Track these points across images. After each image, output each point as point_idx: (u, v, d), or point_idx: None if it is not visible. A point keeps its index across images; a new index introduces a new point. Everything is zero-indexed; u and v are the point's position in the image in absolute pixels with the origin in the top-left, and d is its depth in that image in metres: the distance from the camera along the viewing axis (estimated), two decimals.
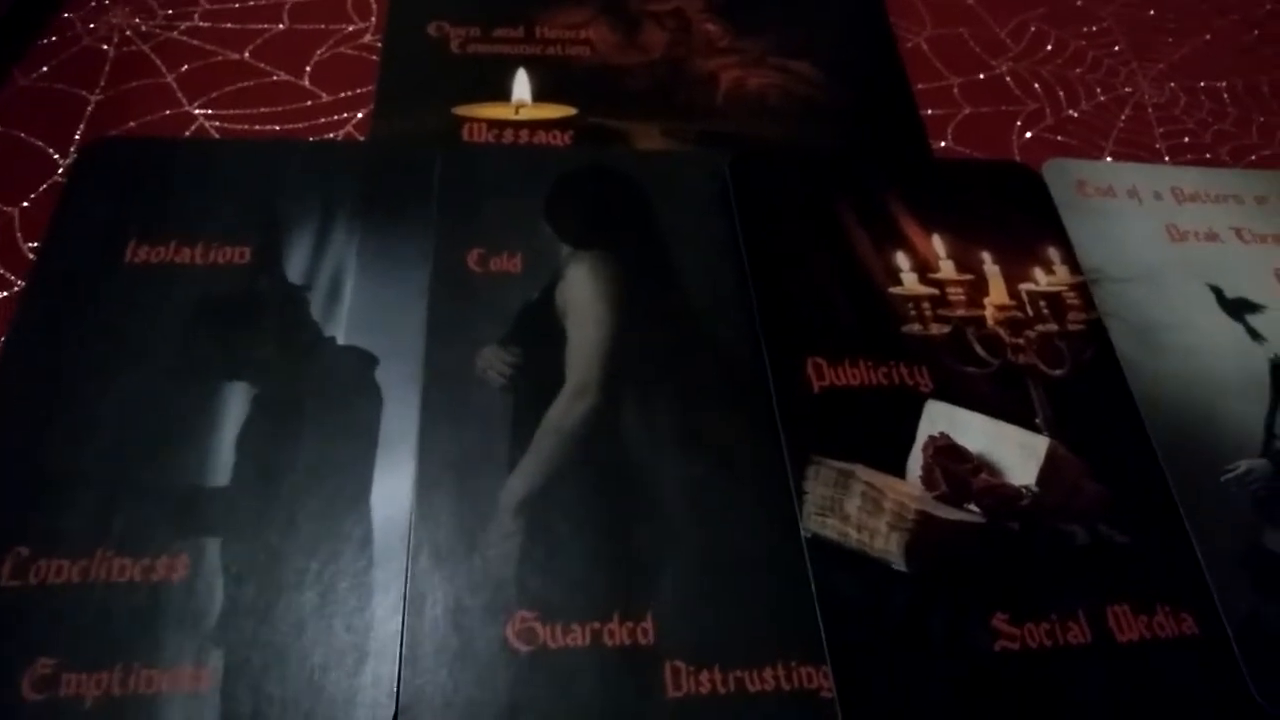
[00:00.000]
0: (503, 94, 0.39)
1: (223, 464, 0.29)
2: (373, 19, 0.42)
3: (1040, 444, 0.31)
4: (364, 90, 0.39)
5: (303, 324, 0.32)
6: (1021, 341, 0.34)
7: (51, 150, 0.36)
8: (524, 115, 0.39)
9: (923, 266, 0.35)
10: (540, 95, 0.40)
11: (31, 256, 0.33)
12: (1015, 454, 0.31)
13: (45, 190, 0.35)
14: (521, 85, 0.40)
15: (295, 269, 0.33)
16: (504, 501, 0.29)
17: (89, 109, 0.37)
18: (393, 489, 0.28)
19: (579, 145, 0.38)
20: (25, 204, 0.34)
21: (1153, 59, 0.44)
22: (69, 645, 0.25)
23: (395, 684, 0.25)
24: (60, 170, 0.35)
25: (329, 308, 0.32)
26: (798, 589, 0.28)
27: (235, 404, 0.30)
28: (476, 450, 0.30)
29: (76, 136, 0.36)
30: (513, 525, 0.28)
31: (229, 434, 0.29)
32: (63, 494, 0.28)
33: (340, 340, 0.31)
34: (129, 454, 0.28)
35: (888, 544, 0.29)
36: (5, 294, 0.32)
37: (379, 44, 0.40)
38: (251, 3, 0.41)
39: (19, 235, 0.33)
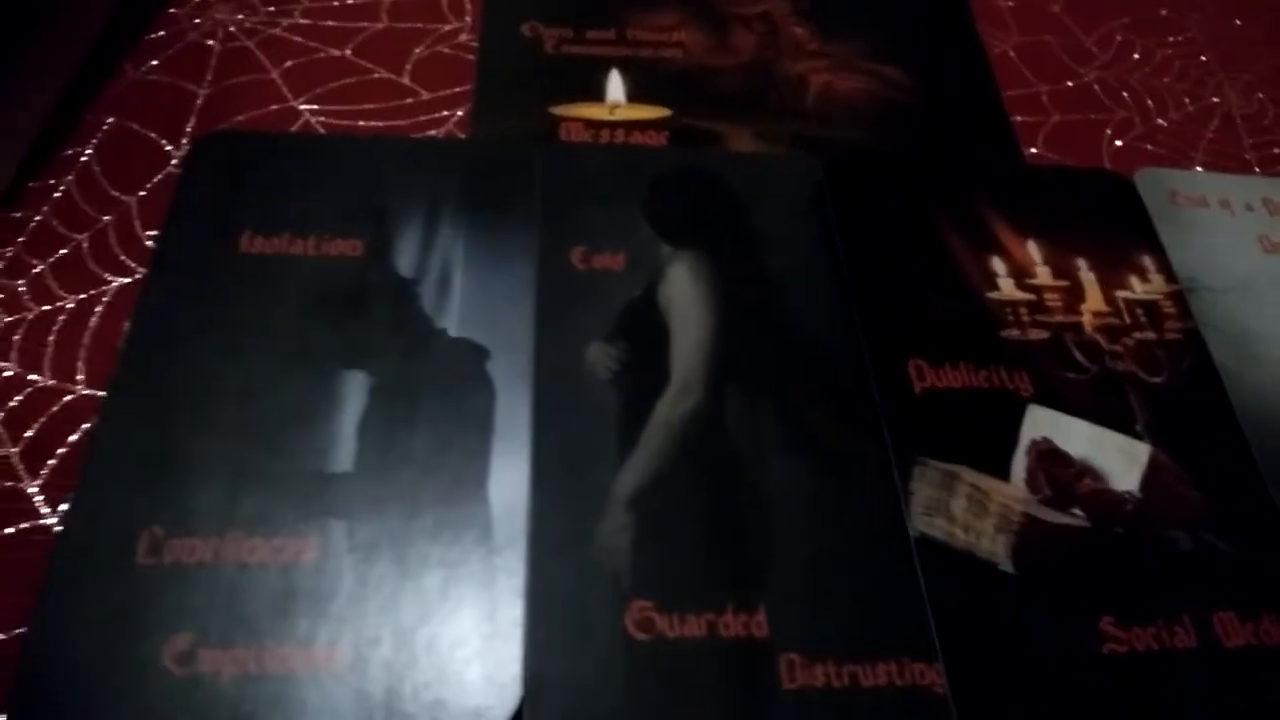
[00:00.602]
0: (597, 94, 0.40)
1: (345, 450, 0.29)
2: (468, 18, 0.42)
3: (1142, 451, 0.32)
4: (462, 89, 0.40)
5: (415, 316, 0.32)
6: (1119, 348, 0.34)
7: (164, 142, 0.37)
8: (619, 115, 0.39)
9: (1019, 272, 0.35)
10: (634, 96, 0.40)
11: (149, 244, 0.34)
12: (1117, 460, 0.31)
13: (160, 181, 0.36)
14: (615, 86, 0.40)
15: (405, 263, 0.34)
16: (616, 494, 0.29)
17: (198, 102, 0.38)
18: (510, 478, 0.29)
19: (674, 146, 0.39)
20: (142, 193, 0.35)
21: (1240, 69, 0.44)
22: (205, 622, 0.26)
23: (521, 668, 0.26)
24: (174, 161, 0.36)
25: (439, 301, 0.33)
26: (906, 586, 0.28)
27: (354, 392, 0.30)
28: (588, 443, 0.30)
29: (188, 129, 0.37)
30: (625, 518, 0.29)
31: (350, 421, 0.30)
32: (192, 476, 0.28)
33: (452, 333, 0.32)
34: (254, 438, 0.29)
35: (994, 545, 0.29)
36: (128, 280, 0.33)
37: (475, 43, 0.41)
38: (351, 1, 0.42)
39: (137, 224, 0.34)
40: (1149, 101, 0.43)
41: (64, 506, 0.28)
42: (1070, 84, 0.43)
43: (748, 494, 0.30)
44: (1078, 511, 0.30)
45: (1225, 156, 0.41)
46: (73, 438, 0.29)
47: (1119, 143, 0.41)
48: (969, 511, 0.30)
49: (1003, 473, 0.31)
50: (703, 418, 0.31)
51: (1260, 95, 0.44)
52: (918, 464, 0.30)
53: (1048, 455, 0.31)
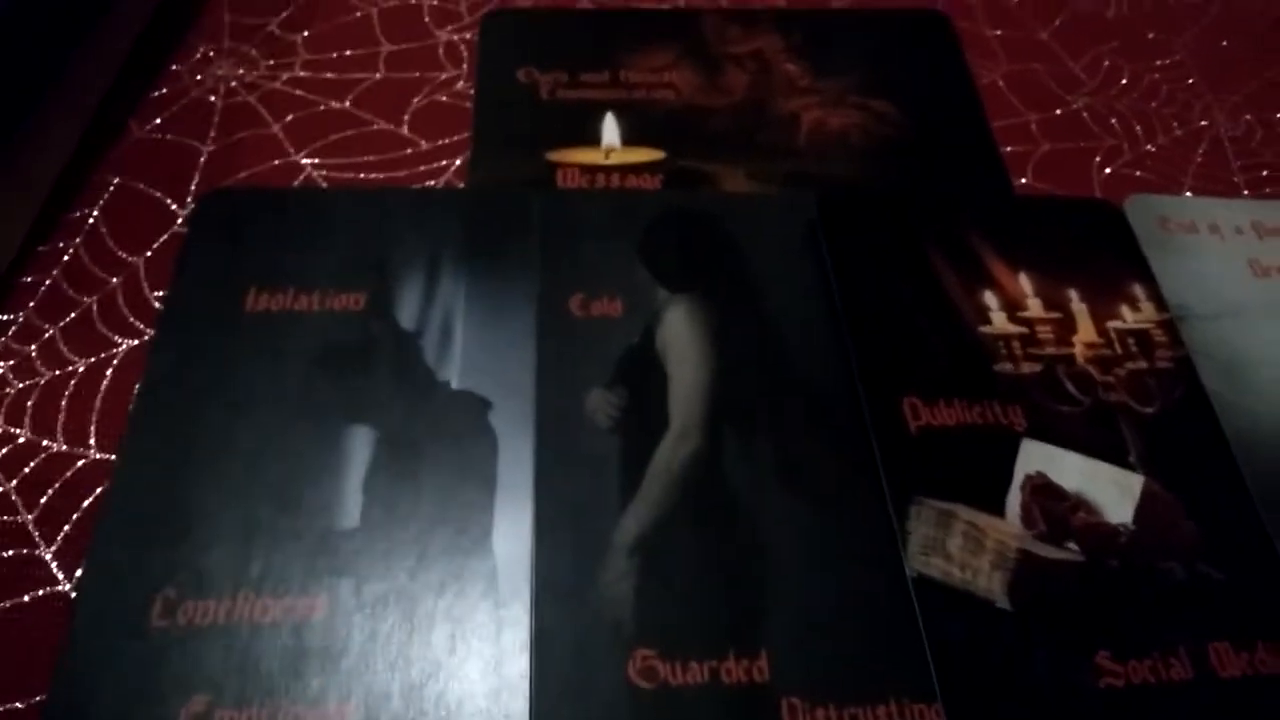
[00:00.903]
0: (593, 138, 0.41)
1: (351, 506, 0.30)
2: (464, 66, 0.43)
3: (1135, 482, 0.32)
4: (460, 137, 0.40)
5: (418, 369, 0.33)
6: (1112, 379, 0.34)
7: (169, 200, 0.38)
8: (614, 160, 0.40)
9: (1011, 305, 0.36)
10: (628, 139, 0.41)
11: (157, 305, 0.35)
12: (1111, 492, 0.32)
13: (166, 240, 0.36)
14: (610, 130, 0.41)
15: (407, 315, 0.34)
16: (618, 541, 0.30)
17: (202, 159, 0.39)
18: (513, 529, 0.30)
19: (669, 189, 0.39)
20: (149, 254, 0.36)
21: (1228, 90, 0.45)
22: (219, 683, 0.27)
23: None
24: (179, 220, 0.37)
25: (441, 353, 0.33)
26: (905, 626, 0.29)
27: (359, 447, 0.31)
28: (589, 491, 0.31)
29: (192, 186, 0.38)
30: (627, 565, 0.30)
31: (355, 477, 0.31)
32: (203, 538, 0.29)
33: (454, 385, 0.33)
34: (262, 497, 0.30)
35: (990, 583, 0.30)
36: (136, 342, 0.34)
37: (471, 91, 0.42)
38: (349, 52, 0.43)
39: (145, 285, 0.35)
40: (1137, 127, 0.43)
41: (79, 572, 0.28)
42: (1059, 112, 0.43)
43: (747, 537, 0.30)
44: (1072, 545, 0.31)
45: (1214, 180, 0.42)
46: (86, 503, 0.30)
47: (1108, 170, 0.41)
48: (965, 549, 0.30)
49: (998, 509, 0.31)
50: (701, 462, 0.32)
51: (1248, 116, 0.44)
52: (914, 503, 0.31)
53: (1042, 490, 0.32)
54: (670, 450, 0.32)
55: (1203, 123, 0.44)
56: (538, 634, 0.28)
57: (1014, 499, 0.31)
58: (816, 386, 0.34)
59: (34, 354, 0.33)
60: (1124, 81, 0.45)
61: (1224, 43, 0.47)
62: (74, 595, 0.28)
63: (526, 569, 0.29)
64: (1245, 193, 0.41)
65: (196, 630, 0.28)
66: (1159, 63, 0.46)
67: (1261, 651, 0.29)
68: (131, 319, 0.34)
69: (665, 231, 0.37)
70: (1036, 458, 0.32)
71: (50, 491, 0.30)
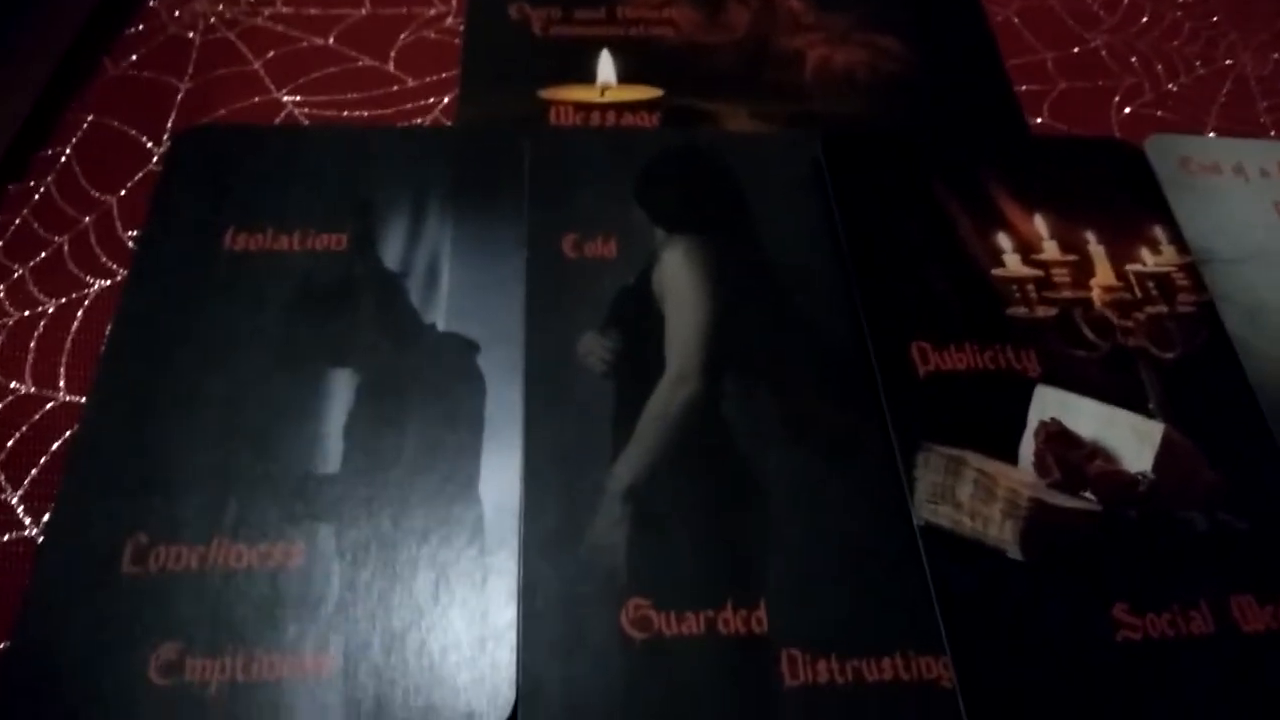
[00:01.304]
0: (587, 76, 0.39)
1: (331, 451, 0.29)
2: (453, 2, 0.41)
3: (1155, 430, 0.31)
4: (448, 75, 0.39)
5: (402, 311, 0.32)
6: (1131, 324, 0.33)
7: (145, 139, 0.36)
8: (610, 97, 0.38)
9: (1025, 247, 0.34)
10: (625, 77, 0.39)
11: (131, 245, 0.33)
12: (1129, 440, 0.30)
13: (141, 179, 0.35)
14: (606, 67, 0.39)
15: (391, 255, 0.33)
16: (610, 489, 0.28)
17: (179, 97, 0.37)
18: (502, 476, 0.28)
19: (667, 127, 0.38)
20: (123, 192, 0.34)
21: (1254, 30, 0.43)
22: (191, 631, 0.26)
23: (515, 671, 0.25)
24: (155, 159, 0.35)
25: (427, 294, 0.32)
26: (911, 577, 0.28)
27: (340, 391, 0.30)
28: (581, 438, 0.29)
29: (169, 124, 0.36)
30: (620, 512, 0.28)
31: (336, 421, 0.29)
32: (176, 482, 0.28)
33: (440, 327, 0.31)
34: (238, 442, 0.29)
35: (1002, 532, 0.28)
36: (109, 282, 0.32)
37: (461, 28, 0.40)
38: None
39: (118, 224, 0.34)
40: (1159, 66, 0.41)
41: (46, 517, 0.27)
42: (1076, 50, 0.41)
43: (746, 484, 0.29)
44: (1089, 495, 0.29)
45: (1239, 120, 0.40)
46: (55, 446, 0.29)
47: (1128, 110, 0.39)
48: (975, 497, 0.29)
49: (1010, 456, 0.30)
50: (699, 407, 0.30)
51: (1276, 56, 0.42)
52: (922, 450, 0.29)
53: (1057, 437, 0.30)
54: (666, 394, 0.30)
55: (1227, 62, 0.42)
56: (526, 583, 0.27)
57: (1027, 446, 0.30)
58: (821, 330, 0.32)
59: (2, 295, 0.32)
60: (1145, 19, 0.43)
61: None
62: (40, 540, 0.27)
63: (514, 516, 0.28)
64: (1272, 134, 0.39)
65: (168, 576, 0.26)
66: (1181, 0, 0.44)
67: None
68: (104, 259, 0.33)
69: (664, 170, 0.36)
70: (1051, 404, 0.31)
71: (17, 435, 0.29)
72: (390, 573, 0.27)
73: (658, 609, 0.27)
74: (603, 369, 0.31)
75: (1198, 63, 0.41)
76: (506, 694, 0.25)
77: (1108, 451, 0.30)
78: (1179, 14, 0.43)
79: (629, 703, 0.25)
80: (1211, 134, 0.39)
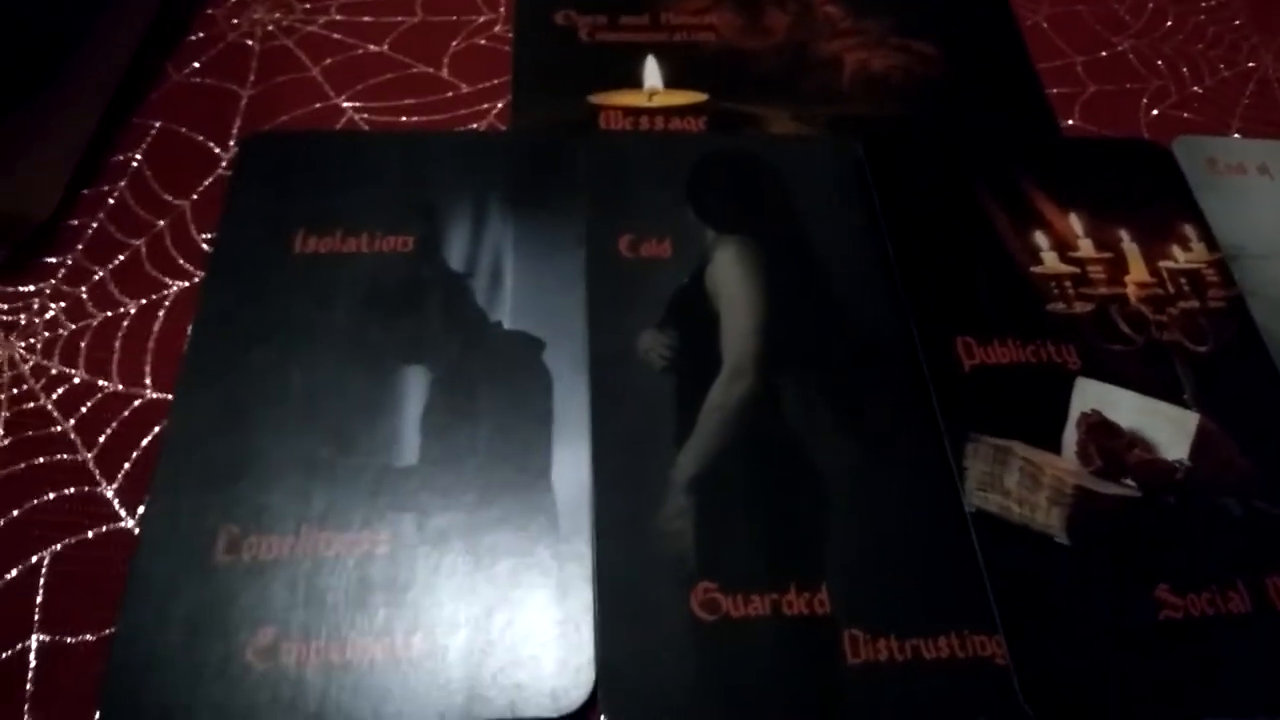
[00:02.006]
0: (634, 81, 0.40)
1: (409, 444, 0.30)
2: (501, 9, 0.42)
3: (1191, 420, 0.32)
4: (500, 81, 0.40)
5: (469, 310, 0.33)
6: (1165, 319, 0.34)
7: (212, 144, 0.37)
8: (657, 102, 0.40)
9: (1062, 245, 0.36)
10: (670, 82, 0.40)
11: (205, 247, 0.34)
12: (1166, 430, 0.32)
13: (211, 183, 0.36)
14: (652, 72, 0.40)
15: (456, 257, 0.34)
16: (675, 479, 0.30)
17: (242, 103, 0.39)
18: (571, 466, 0.30)
19: (714, 131, 0.39)
20: (194, 196, 0.36)
21: (1275, 32, 0.44)
22: (285, 616, 0.27)
23: (593, 651, 0.27)
24: (224, 164, 0.37)
25: (492, 294, 0.33)
26: (964, 561, 0.29)
27: (414, 387, 0.31)
28: (645, 430, 0.31)
29: (234, 130, 0.38)
30: (686, 502, 0.30)
31: (412, 416, 0.31)
32: (263, 475, 0.29)
33: (506, 325, 0.33)
34: (320, 435, 0.30)
35: (1049, 518, 0.30)
36: (187, 284, 0.34)
37: (509, 34, 0.41)
38: None
39: (192, 227, 0.35)
40: (1184, 69, 0.42)
41: (141, 509, 0.29)
42: (1104, 54, 0.43)
43: (804, 474, 0.30)
44: (1129, 482, 0.31)
45: (1263, 121, 0.41)
46: (145, 441, 0.30)
47: (1155, 111, 0.41)
48: (1023, 485, 0.30)
49: (1054, 446, 0.31)
50: (756, 401, 0.32)
51: None
52: (970, 440, 0.31)
53: (1098, 427, 0.32)
54: (724, 389, 0.32)
55: (1250, 64, 0.43)
56: (600, 567, 0.28)
57: (1070, 436, 0.31)
58: (868, 326, 0.34)
59: (85, 296, 0.33)
60: (1169, 23, 0.44)
61: None
62: (137, 531, 0.28)
63: (586, 505, 0.29)
64: None
65: (261, 565, 0.28)
66: (1204, 4, 0.45)
67: None
68: (180, 261, 0.34)
69: (713, 173, 0.37)
70: (1091, 396, 0.32)
71: (109, 430, 0.30)
72: (472, 559, 0.28)
73: (725, 592, 0.28)
74: (662, 364, 0.32)
75: (1221, 65, 0.43)
76: (587, 673, 0.26)
77: (1146, 441, 0.32)
78: (1202, 18, 0.45)
79: (700, 680, 0.27)
80: (1236, 135, 0.41)
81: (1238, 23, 0.45)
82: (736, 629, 0.28)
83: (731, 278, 0.34)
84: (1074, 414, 0.32)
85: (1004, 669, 0.27)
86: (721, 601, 0.28)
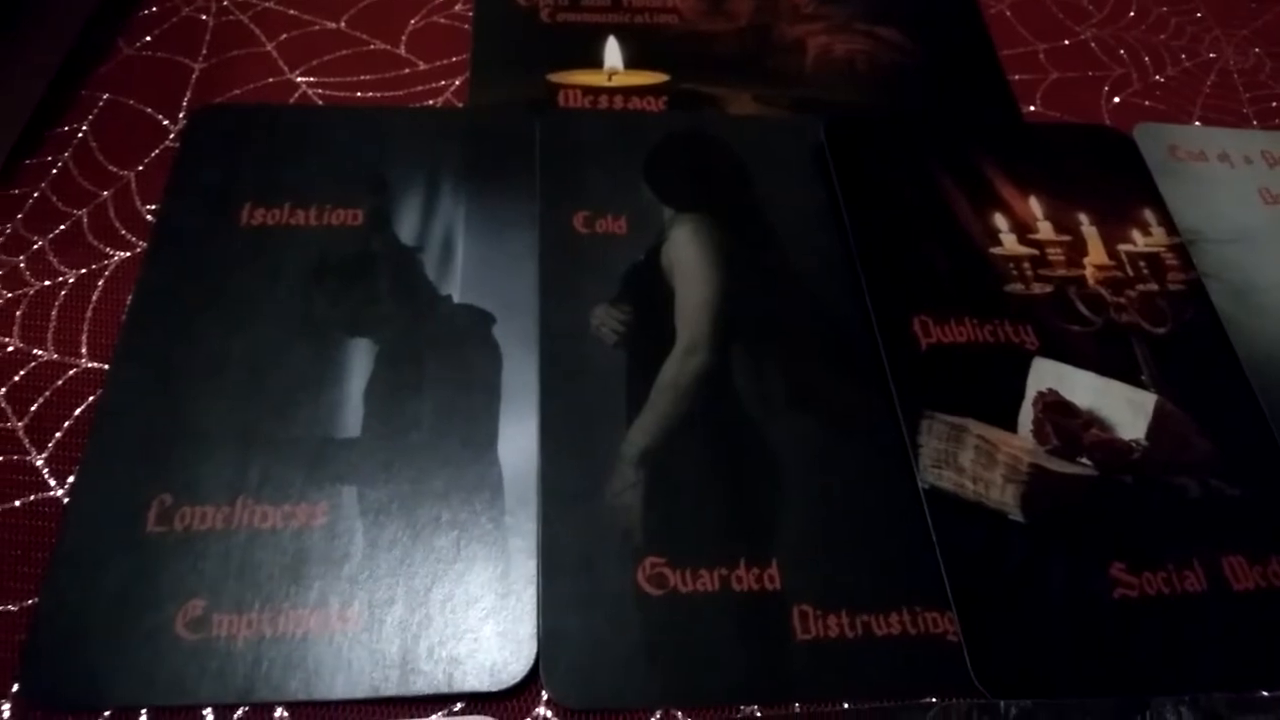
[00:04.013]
0: (594, 61, 0.40)
1: (351, 416, 0.29)
2: None
3: (1148, 400, 0.32)
4: (458, 59, 0.39)
5: (419, 283, 0.32)
6: (1123, 300, 0.34)
7: (161, 117, 0.36)
8: (617, 82, 0.39)
9: (1021, 227, 0.35)
10: (631, 63, 0.40)
11: (149, 218, 0.34)
12: (1124, 410, 0.31)
13: (158, 155, 0.35)
14: (613, 52, 0.40)
15: (407, 231, 0.33)
16: (625, 453, 0.29)
17: (193, 77, 0.38)
18: (519, 440, 0.29)
19: (673, 111, 0.38)
20: (140, 168, 0.35)
21: (1236, 25, 0.44)
22: (218, 587, 0.26)
23: (535, 625, 0.26)
24: (171, 136, 0.36)
25: (442, 268, 0.33)
26: (917, 537, 0.28)
27: (359, 359, 0.30)
28: (595, 404, 0.30)
29: (184, 103, 0.37)
30: (635, 476, 0.29)
31: (356, 387, 0.30)
32: (199, 446, 0.28)
33: (456, 299, 0.32)
34: (260, 407, 0.29)
35: (1004, 495, 0.29)
36: (128, 254, 0.33)
37: (470, 13, 0.41)
38: None
39: (137, 198, 0.34)
40: (1146, 58, 0.43)
41: (71, 479, 0.28)
42: (1067, 42, 0.43)
43: (757, 450, 0.30)
44: (1085, 461, 0.30)
45: (1223, 111, 0.41)
46: (77, 411, 0.29)
47: (1117, 99, 0.41)
48: (977, 463, 0.30)
49: (1010, 424, 0.31)
50: (710, 376, 0.31)
51: (1257, 50, 0.43)
52: (925, 417, 0.30)
53: (1054, 406, 0.31)
54: (678, 364, 0.31)
55: (1211, 55, 0.43)
56: (545, 541, 0.27)
57: (1026, 415, 0.31)
58: (826, 305, 0.33)
59: (22, 265, 0.32)
60: (1132, 14, 0.44)
61: None
62: (66, 501, 0.27)
63: (532, 479, 0.28)
64: (1255, 124, 0.41)
65: (194, 535, 0.27)
66: None
67: (1275, 564, 0.29)
68: (123, 231, 0.33)
69: (671, 152, 0.37)
70: (1049, 375, 0.32)
71: (41, 400, 0.29)
72: (412, 532, 0.27)
73: (673, 566, 0.27)
74: (615, 339, 0.32)
75: (1183, 55, 0.43)
76: (528, 647, 0.26)
77: (1103, 420, 0.31)
78: (1164, 9, 0.45)
79: (646, 655, 0.26)
80: (1197, 123, 0.41)
81: (1199, 15, 0.45)
82: (684, 604, 0.27)
83: (688, 255, 0.34)
84: (1030, 393, 0.31)
85: (956, 646, 0.27)
86: (669, 576, 0.27)
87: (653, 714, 0.25)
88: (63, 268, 0.32)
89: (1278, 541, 0.29)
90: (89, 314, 0.31)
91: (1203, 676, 0.27)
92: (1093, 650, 0.27)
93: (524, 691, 0.25)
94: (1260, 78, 0.43)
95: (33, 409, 0.29)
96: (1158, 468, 0.30)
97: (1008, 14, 0.44)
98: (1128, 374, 0.32)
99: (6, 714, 0.24)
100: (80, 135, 0.36)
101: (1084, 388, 0.32)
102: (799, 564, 0.28)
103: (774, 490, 0.29)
